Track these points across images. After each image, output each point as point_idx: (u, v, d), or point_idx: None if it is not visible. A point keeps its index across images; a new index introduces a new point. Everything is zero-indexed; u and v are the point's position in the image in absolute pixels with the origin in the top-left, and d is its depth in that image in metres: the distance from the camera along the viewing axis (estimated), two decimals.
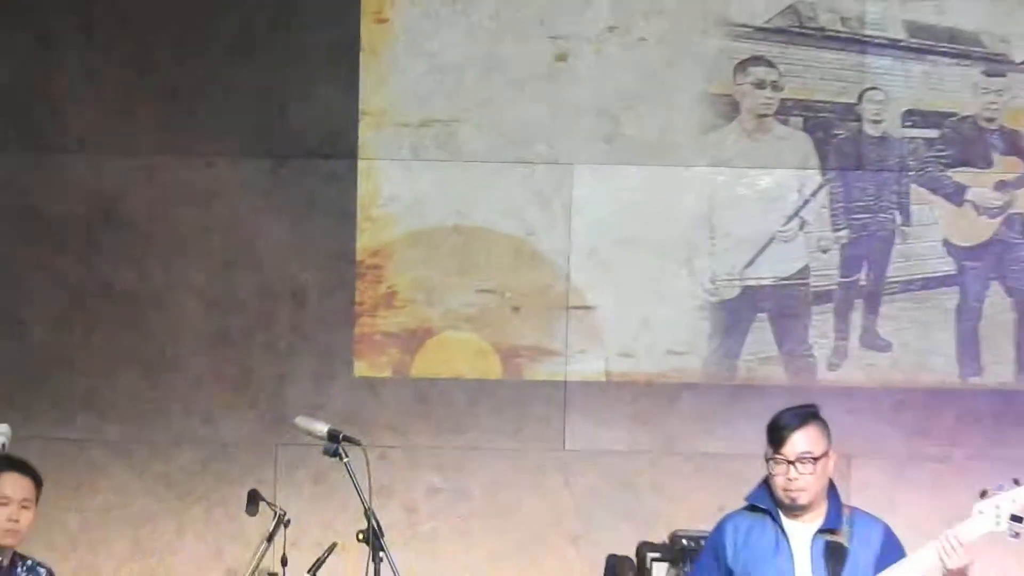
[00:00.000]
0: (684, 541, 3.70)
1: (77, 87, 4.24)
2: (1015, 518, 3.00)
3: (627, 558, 3.73)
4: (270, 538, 3.60)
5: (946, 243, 4.08)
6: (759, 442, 2.88)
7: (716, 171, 4.10)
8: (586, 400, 4.37)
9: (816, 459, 3.06)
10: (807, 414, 3.13)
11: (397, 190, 4.25)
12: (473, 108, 4.19)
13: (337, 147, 4.32)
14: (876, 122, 4.03)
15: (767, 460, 3.03)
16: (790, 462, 3.04)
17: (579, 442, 4.33)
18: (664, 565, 3.75)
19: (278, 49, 4.28)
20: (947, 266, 4.07)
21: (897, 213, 4.07)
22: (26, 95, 4.29)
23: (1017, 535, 3.02)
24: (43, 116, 4.26)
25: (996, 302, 4.11)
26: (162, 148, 4.22)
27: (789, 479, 3.04)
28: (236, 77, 4.21)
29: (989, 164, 4.01)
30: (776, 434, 3.05)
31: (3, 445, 3.12)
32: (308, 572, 3.49)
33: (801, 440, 3.05)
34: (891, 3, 3.86)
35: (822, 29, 3.90)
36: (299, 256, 4.32)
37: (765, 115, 4.08)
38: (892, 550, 3.19)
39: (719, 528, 3.22)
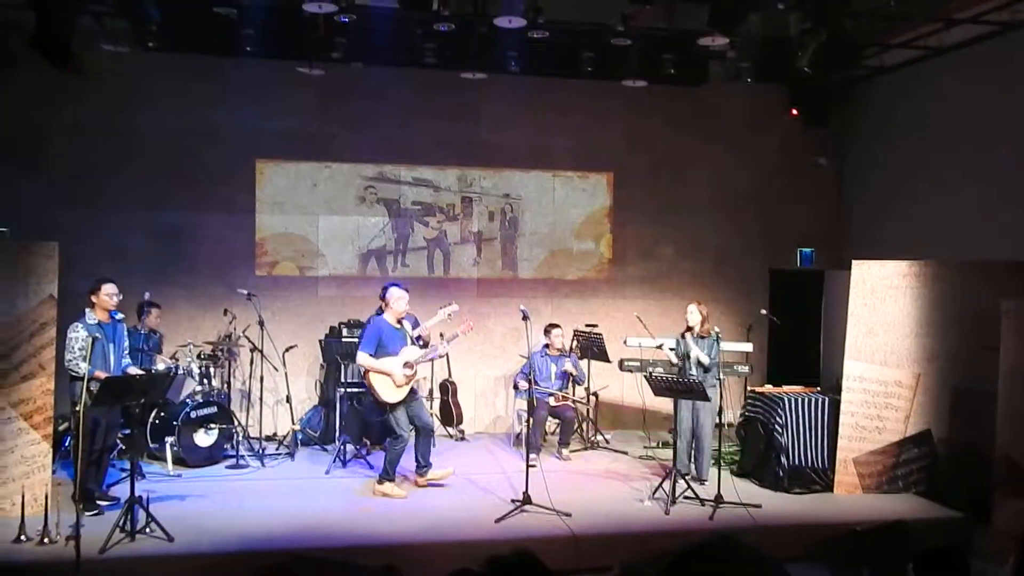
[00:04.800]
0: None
1: None
2: (450, 315, 7.63)
3: None
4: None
5: (424, 238, 10.03)
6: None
7: (359, 217, 9.85)
8: (326, 282, 9.89)
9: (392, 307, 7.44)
10: (388, 284, 8.38)
11: (265, 223, 9.71)
12: (286, 199, 9.76)
13: (248, 208, 9.72)
14: (406, 205, 10.01)
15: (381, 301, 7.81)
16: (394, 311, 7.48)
17: (324, 292, 9.81)
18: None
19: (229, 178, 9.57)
20: (423, 243, 10.04)
21: (411, 229, 9.99)
22: None
23: (450, 316, 7.62)
24: None
25: (438, 254, 10.18)
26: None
27: (397, 317, 7.50)
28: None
29: (444, 216, 10.14)
30: (384, 292, 7.49)
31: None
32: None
33: (402, 295, 7.48)
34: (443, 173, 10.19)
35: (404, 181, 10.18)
36: (242, 240, 9.69)
37: (374, 202, 9.86)
38: (417, 324, 7.89)
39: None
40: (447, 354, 9.40)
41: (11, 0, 8.01)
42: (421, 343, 7.64)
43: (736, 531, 6.39)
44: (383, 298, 7.50)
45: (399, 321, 7.41)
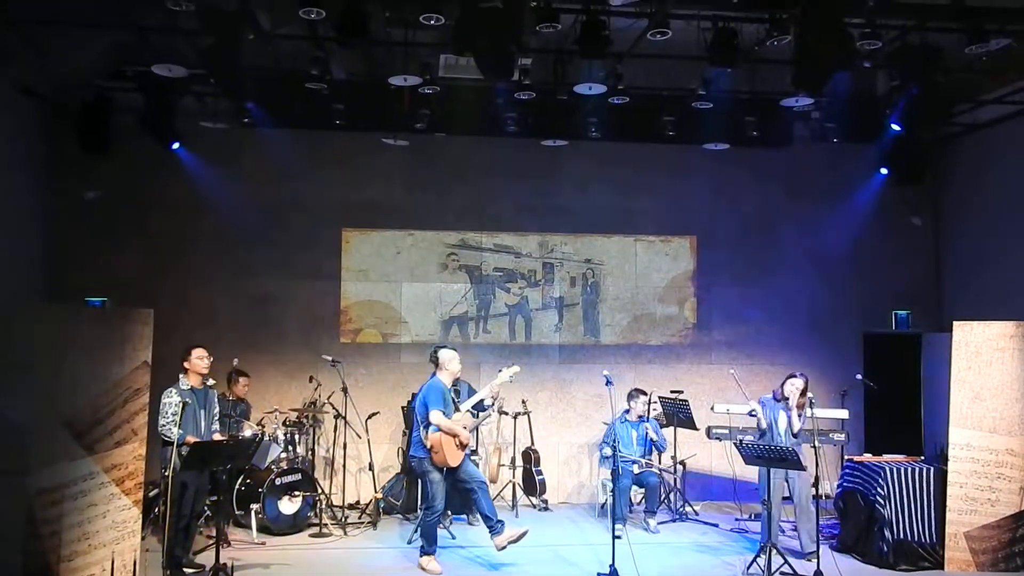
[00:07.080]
0: None
1: None
2: (511, 376, 7.62)
3: None
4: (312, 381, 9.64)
5: (506, 304, 10.02)
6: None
7: (441, 284, 9.91)
8: (408, 349, 9.80)
9: (447, 368, 7.19)
10: (436, 347, 7.67)
11: (350, 290, 9.87)
12: (370, 267, 9.90)
13: (333, 275, 9.86)
14: (488, 271, 10.00)
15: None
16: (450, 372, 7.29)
17: (407, 359, 9.80)
18: None
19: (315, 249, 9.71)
20: (505, 309, 10.01)
21: (492, 296, 9.99)
22: None
23: (512, 378, 7.76)
24: None
25: (520, 320, 10.12)
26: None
27: (452, 378, 7.34)
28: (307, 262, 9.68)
29: (525, 282, 10.08)
30: (435, 354, 7.27)
31: None
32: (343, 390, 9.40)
33: (453, 355, 7.44)
34: (489, 235, 10.23)
35: (469, 244, 10.26)
36: (327, 307, 9.77)
37: (456, 269, 9.92)
38: (472, 392, 8.00)
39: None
40: (519, 415, 9.34)
41: (121, 85, 8.50)
42: (492, 403, 7.51)
43: None
44: (434, 361, 7.24)
45: (454, 384, 7.31)
